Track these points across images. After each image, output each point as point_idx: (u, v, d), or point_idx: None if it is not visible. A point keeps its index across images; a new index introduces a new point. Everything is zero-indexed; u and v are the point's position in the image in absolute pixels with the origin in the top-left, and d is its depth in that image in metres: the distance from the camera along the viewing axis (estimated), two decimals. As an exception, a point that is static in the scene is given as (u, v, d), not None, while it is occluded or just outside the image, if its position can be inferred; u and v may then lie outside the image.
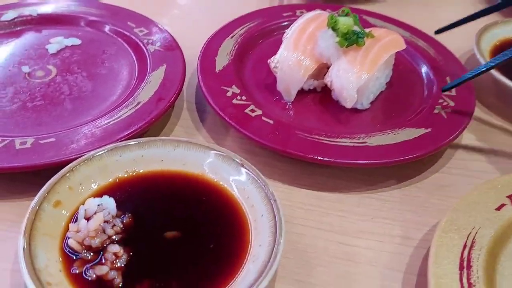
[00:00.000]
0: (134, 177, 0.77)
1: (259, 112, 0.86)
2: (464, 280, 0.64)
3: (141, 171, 0.77)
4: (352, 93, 0.87)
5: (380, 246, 0.75)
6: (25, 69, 0.95)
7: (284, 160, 0.86)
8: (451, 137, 0.85)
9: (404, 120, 0.90)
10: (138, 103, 0.86)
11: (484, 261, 0.66)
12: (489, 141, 0.95)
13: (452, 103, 0.92)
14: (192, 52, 1.01)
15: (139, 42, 1.01)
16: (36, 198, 0.68)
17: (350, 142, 0.82)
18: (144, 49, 0.99)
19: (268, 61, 0.94)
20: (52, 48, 1.00)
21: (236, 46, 1.02)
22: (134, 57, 1.00)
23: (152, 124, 0.83)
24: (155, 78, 0.91)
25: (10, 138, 0.78)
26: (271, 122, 0.84)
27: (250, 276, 0.62)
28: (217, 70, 0.94)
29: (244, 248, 0.68)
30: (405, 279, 0.70)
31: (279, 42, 0.98)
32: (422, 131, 0.85)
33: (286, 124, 0.85)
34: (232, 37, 1.04)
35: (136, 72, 0.96)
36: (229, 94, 0.89)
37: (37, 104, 0.88)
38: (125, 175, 0.76)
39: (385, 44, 0.92)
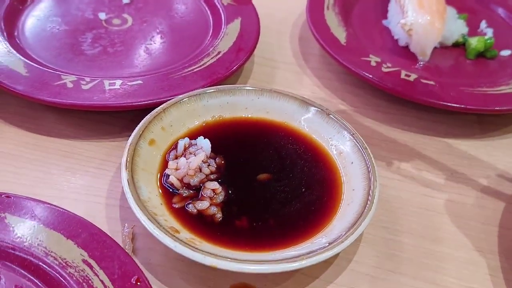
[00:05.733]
0: (220, 122, 0.78)
1: (414, 76, 0.88)
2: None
3: (226, 116, 0.79)
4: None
5: (461, 199, 0.76)
6: (102, 16, 0.96)
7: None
8: None
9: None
10: (219, 52, 0.87)
11: None
12: None
13: None
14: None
15: (211, -6, 1.01)
16: (133, 135, 0.70)
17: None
18: (216, 2, 0.99)
19: (400, 24, 0.94)
20: (125, -4, 1.00)
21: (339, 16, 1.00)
22: (206, 9, 1.00)
23: (234, 73, 0.84)
24: (232, 30, 0.92)
25: (100, 79, 0.79)
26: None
27: (348, 217, 0.64)
28: (342, 42, 0.93)
29: (337, 191, 0.70)
30: (487, 230, 0.72)
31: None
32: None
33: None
34: (328, 7, 1.01)
35: (211, 24, 0.96)
36: (373, 64, 0.89)
37: (117, 49, 0.89)
38: (212, 120, 0.78)
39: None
